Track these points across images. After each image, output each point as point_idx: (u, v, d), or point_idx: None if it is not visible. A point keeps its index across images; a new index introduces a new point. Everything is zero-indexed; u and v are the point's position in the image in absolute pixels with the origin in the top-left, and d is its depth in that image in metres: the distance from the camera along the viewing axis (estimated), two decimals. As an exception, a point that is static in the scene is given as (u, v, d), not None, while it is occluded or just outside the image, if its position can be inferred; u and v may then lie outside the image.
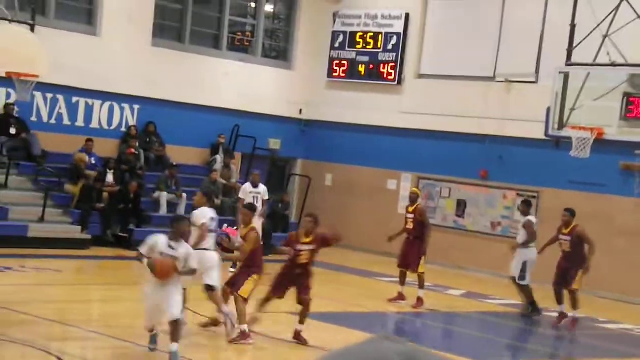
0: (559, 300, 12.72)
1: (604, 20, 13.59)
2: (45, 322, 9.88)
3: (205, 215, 10.16)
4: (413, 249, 13.25)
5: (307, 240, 10.19)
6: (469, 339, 12.26)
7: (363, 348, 0.88)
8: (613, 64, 13.34)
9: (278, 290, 10.12)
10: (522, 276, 13.00)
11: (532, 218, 13.50)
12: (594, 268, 16.89)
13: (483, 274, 17.97)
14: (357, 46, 20.47)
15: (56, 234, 15.62)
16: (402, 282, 13.38)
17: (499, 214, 18.48)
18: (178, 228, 8.59)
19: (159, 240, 8.52)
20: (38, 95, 16.65)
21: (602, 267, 16.89)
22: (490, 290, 15.92)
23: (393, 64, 19.95)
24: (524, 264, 13.01)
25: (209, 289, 9.79)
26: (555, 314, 12.92)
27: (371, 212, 20.13)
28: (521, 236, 13.32)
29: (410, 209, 13.48)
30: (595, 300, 16.32)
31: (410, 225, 13.38)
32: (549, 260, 13.05)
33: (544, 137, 15.07)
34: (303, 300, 10.02)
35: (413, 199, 13.58)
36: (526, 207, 13.66)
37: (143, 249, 8.56)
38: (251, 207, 10.93)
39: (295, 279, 10.13)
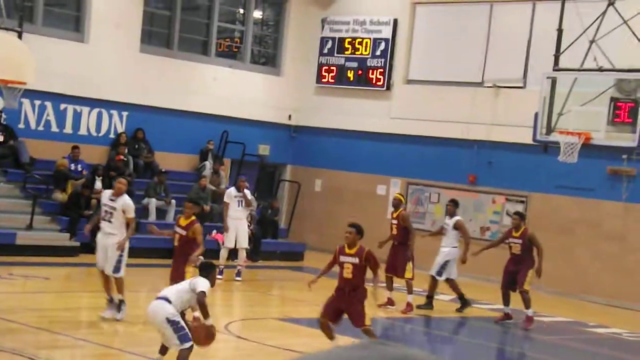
0: (506, 302, 12.97)
1: (590, 25, 13.66)
2: (33, 329, 9.83)
3: None
4: (399, 254, 13.35)
5: (351, 252, 9.70)
6: (458, 344, 12.27)
7: (353, 353, 0.87)
8: (600, 69, 13.40)
9: (328, 312, 9.64)
10: (440, 272, 13.45)
11: (460, 218, 13.76)
12: (581, 273, 16.99)
13: (472, 278, 17.99)
14: (346, 52, 20.51)
15: (44, 241, 15.55)
16: (390, 287, 13.46)
17: (488, 219, 18.53)
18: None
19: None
20: (26, 102, 16.59)
21: (590, 271, 16.97)
22: (479, 295, 15.93)
23: (382, 70, 20.00)
24: (447, 262, 13.44)
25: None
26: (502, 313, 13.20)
27: (360, 217, 20.02)
28: (452, 236, 13.44)
29: (394, 215, 13.55)
30: (584, 305, 16.38)
31: (394, 231, 13.47)
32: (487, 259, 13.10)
33: (532, 142, 15.12)
34: (363, 332, 9.53)
35: (396, 204, 13.66)
36: (454, 207, 13.77)
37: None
38: (197, 201, 11.75)
39: (346, 300, 9.60)
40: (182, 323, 8.05)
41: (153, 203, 17.63)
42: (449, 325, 13.38)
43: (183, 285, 8.31)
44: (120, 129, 18.42)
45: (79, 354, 9.54)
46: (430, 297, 13.58)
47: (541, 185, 17.63)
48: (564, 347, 12.41)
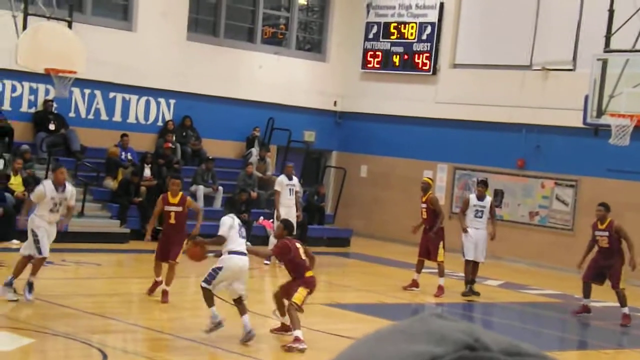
0: (586, 294, 12.38)
1: (642, 5, 13.36)
2: (86, 314, 10.02)
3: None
4: (431, 238, 13.25)
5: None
6: (508, 329, 12.18)
7: (413, 325, 0.85)
8: (652, 50, 13.11)
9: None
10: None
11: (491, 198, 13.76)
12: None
13: (521, 264, 17.82)
14: (391, 37, 20.38)
15: (95, 228, 15.82)
16: (419, 270, 13.48)
17: (537, 204, 18.29)
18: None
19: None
20: (76, 91, 16.85)
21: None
22: (529, 280, 15.79)
23: (427, 54, 19.83)
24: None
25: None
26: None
27: (407, 203, 20.04)
28: (486, 218, 13.18)
29: (423, 199, 13.44)
30: (636, 290, 16.09)
31: (424, 215, 13.39)
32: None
33: (581, 125, 14.87)
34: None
35: (425, 188, 13.51)
36: (485, 188, 13.53)
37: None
38: (178, 177, 12.09)
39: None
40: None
41: (201, 190, 17.80)
42: (498, 310, 13.27)
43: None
44: (167, 117, 18.61)
45: (131, 338, 9.70)
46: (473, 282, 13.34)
47: (591, 169, 17.33)
48: (616, 333, 12.22)
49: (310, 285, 9.18)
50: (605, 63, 13.65)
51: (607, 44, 13.74)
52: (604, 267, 12.18)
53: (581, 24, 17.67)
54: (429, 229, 13.37)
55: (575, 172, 17.65)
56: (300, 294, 9.04)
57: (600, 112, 13.73)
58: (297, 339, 9.07)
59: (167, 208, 11.16)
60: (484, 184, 13.71)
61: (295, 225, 15.35)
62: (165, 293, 10.89)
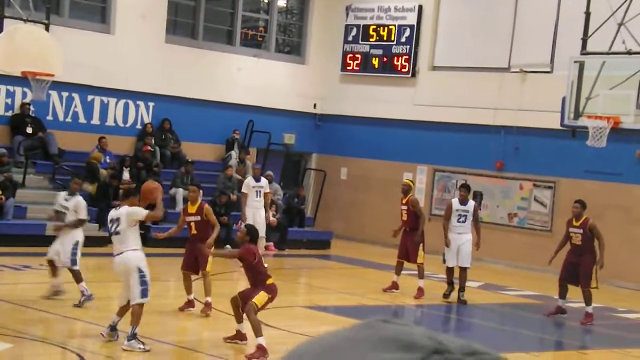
0: (562, 295, 12.40)
1: (618, 8, 13.48)
2: (64, 319, 9.95)
3: None
4: (410, 240, 13.24)
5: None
6: (487, 331, 12.24)
7: (356, 333, 0.82)
8: (629, 52, 13.22)
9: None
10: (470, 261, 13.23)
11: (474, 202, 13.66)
12: (612, 258, 16.82)
13: (500, 265, 17.91)
14: (370, 39, 20.43)
15: (74, 231, 15.68)
16: (398, 271, 13.48)
17: (516, 205, 18.40)
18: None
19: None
20: (53, 94, 16.74)
21: (620, 256, 16.80)
22: (508, 282, 15.87)
23: (407, 57, 19.90)
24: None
25: None
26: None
27: (387, 205, 20.09)
28: (470, 222, 13.05)
29: (404, 201, 13.42)
30: (614, 290, 16.24)
31: (404, 217, 13.37)
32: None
33: (559, 127, 14.97)
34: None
35: (405, 190, 13.49)
36: (467, 192, 13.28)
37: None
38: (196, 183, 12.03)
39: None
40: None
41: (180, 193, 17.73)
42: (477, 312, 13.32)
43: None
44: (146, 120, 18.54)
45: (111, 342, 9.64)
46: (461, 289, 13.14)
47: (569, 171, 17.46)
48: (595, 333, 12.31)
49: (272, 292, 8.99)
50: (582, 65, 13.75)
51: (584, 46, 13.84)
52: (575, 264, 12.20)
53: (558, 27, 17.80)
54: (409, 231, 13.36)
55: (553, 174, 17.77)
56: (261, 296, 8.85)
57: (577, 114, 13.82)
58: (260, 348, 8.73)
59: (187, 219, 11.07)
60: (466, 188, 13.52)
61: (264, 227, 15.41)
62: (207, 304, 10.69)
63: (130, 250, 8.94)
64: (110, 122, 18.16)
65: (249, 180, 15.55)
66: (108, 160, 17.25)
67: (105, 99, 18.02)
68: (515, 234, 18.20)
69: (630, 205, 16.79)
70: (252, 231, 9.32)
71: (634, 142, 16.02)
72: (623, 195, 16.85)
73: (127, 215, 8.90)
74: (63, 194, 11.11)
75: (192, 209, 11.10)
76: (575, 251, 12.28)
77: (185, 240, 11.38)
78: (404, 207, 13.40)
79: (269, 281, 9.05)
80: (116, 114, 18.25)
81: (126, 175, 17.16)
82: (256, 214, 15.32)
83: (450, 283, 13.17)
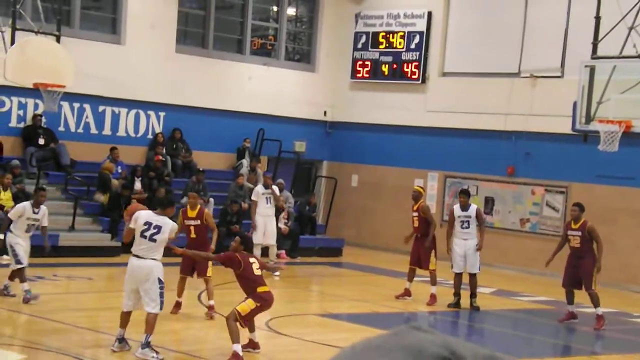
0: (570, 301, 12.33)
1: (629, 12, 13.45)
2: (78, 329, 9.98)
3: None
4: (422, 246, 13.23)
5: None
6: (501, 336, 12.19)
7: (389, 340, 0.86)
8: (639, 56, 13.19)
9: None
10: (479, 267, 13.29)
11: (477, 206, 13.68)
12: (625, 262, 16.75)
13: (512, 270, 17.85)
14: (380, 46, 20.45)
15: (86, 242, 15.77)
16: (410, 278, 13.46)
17: (528, 210, 18.34)
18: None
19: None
20: (65, 105, 16.82)
21: (634, 261, 16.73)
22: (520, 287, 15.81)
23: (417, 63, 19.90)
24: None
25: None
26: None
27: (398, 212, 20.08)
28: (474, 227, 12.94)
29: (414, 207, 13.39)
30: (628, 295, 16.15)
31: (415, 224, 13.35)
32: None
33: (571, 132, 14.94)
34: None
35: (416, 197, 13.45)
36: (468, 198, 13.19)
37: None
38: (195, 189, 12.47)
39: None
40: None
41: (192, 202, 17.75)
42: (490, 318, 13.27)
43: None
44: (157, 129, 18.60)
45: (123, 352, 9.66)
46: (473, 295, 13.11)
47: (581, 175, 17.40)
48: (608, 338, 12.25)
49: (262, 300, 8.85)
50: (593, 70, 13.72)
51: (595, 50, 13.82)
52: (576, 268, 12.15)
53: (568, 31, 17.77)
54: (421, 237, 13.34)
55: (565, 179, 17.71)
56: (246, 304, 8.78)
57: (588, 119, 13.79)
58: (235, 355, 8.62)
59: (186, 222, 11.33)
60: (465, 193, 13.41)
61: (275, 235, 15.41)
62: (211, 307, 10.94)
63: (155, 260, 8.91)
64: (121, 132, 18.24)
65: (259, 188, 15.60)
66: (120, 171, 17.31)
67: (116, 109, 18.11)
68: (527, 240, 18.14)
69: (643, 209, 16.69)
70: (245, 240, 9.33)
71: (646, 146, 15.94)
72: (636, 200, 16.77)
73: (171, 230, 8.91)
74: (29, 207, 11.28)
75: (192, 213, 11.38)
76: (575, 254, 12.26)
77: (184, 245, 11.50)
78: (415, 214, 13.38)
79: (261, 289, 8.91)
80: (127, 124, 18.32)
81: (138, 185, 17.21)
82: (267, 222, 15.36)
83: (458, 294, 13.06)
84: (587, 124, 13.67)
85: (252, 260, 9.09)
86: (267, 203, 15.37)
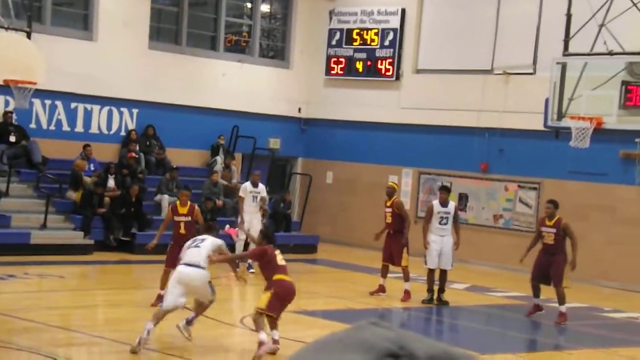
0: (536, 294, 12.41)
1: (599, 9, 13.57)
2: (50, 328, 9.89)
3: None
4: (394, 243, 13.25)
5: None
6: (474, 332, 12.27)
7: (349, 334, 0.87)
8: (610, 53, 13.32)
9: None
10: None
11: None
12: (597, 258, 16.93)
13: (486, 266, 17.97)
14: (354, 43, 20.47)
15: (58, 240, 15.64)
16: (384, 275, 13.48)
17: (501, 207, 18.46)
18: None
19: None
20: (36, 102, 16.66)
21: (605, 256, 16.91)
22: (494, 283, 15.92)
23: (390, 60, 19.95)
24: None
25: None
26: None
27: (373, 208, 20.12)
28: (450, 224, 13.01)
29: (388, 203, 13.41)
30: (600, 290, 16.33)
31: (389, 220, 13.37)
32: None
33: (543, 128, 15.05)
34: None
35: (390, 192, 13.48)
36: (448, 194, 13.27)
37: None
38: (187, 187, 12.49)
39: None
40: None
41: (165, 199, 17.68)
42: (464, 313, 13.35)
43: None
44: (131, 126, 18.48)
45: (96, 350, 9.59)
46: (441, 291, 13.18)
47: (554, 171, 17.55)
48: (580, 333, 12.37)
49: (279, 287, 9.16)
50: (564, 66, 13.83)
51: (566, 47, 13.92)
52: (547, 264, 12.22)
53: (540, 28, 17.91)
54: (393, 234, 13.37)
55: (538, 175, 17.85)
56: (263, 298, 9.15)
57: (560, 115, 13.90)
58: (260, 343, 9.02)
59: (176, 218, 11.58)
60: (446, 189, 13.54)
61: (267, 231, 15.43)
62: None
63: (204, 270, 9.41)
64: (94, 129, 18.09)
65: (247, 185, 15.61)
66: (92, 168, 17.18)
67: (88, 106, 17.96)
68: (500, 236, 18.27)
69: (614, 205, 16.89)
70: (266, 234, 9.81)
71: (617, 142, 16.12)
72: (607, 196, 16.95)
73: (212, 244, 9.55)
74: None
75: (183, 209, 11.63)
76: (548, 250, 12.30)
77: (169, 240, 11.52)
78: (388, 210, 13.40)
79: (277, 277, 9.25)
80: (100, 121, 18.18)
81: (111, 182, 17.09)
82: (253, 218, 15.41)
83: (431, 290, 13.11)
84: (558, 121, 13.78)
85: (277, 252, 9.54)
86: (253, 201, 15.43)
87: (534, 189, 17.97)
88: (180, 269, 9.34)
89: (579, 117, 13.40)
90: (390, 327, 0.87)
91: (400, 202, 13.69)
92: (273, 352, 9.12)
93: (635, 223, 16.55)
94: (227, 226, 17.75)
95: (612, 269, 16.78)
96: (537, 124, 15.57)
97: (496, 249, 18.17)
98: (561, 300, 12.21)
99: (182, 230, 11.45)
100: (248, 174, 18.59)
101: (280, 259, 9.38)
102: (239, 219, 15.42)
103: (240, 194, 15.61)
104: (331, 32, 20.83)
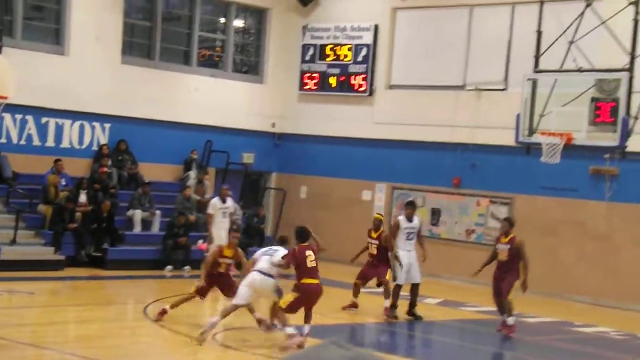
0: (502, 311, 12.45)
1: (569, 26, 13.78)
2: (20, 345, 9.76)
3: None
4: (376, 270, 13.21)
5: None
6: (447, 347, 12.30)
7: (309, 354, 0.90)
8: (580, 70, 13.51)
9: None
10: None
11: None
12: (567, 272, 17.09)
13: (458, 281, 18.04)
14: (328, 59, 20.56)
15: (29, 255, 15.46)
16: (356, 294, 13.41)
17: (473, 221, 18.58)
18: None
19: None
20: (7, 116, 16.51)
21: (575, 271, 17.07)
22: (466, 298, 15.98)
23: (364, 76, 20.05)
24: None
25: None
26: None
27: (346, 223, 20.16)
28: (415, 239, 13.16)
29: (374, 235, 13.34)
30: (570, 305, 16.46)
31: (373, 251, 13.30)
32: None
33: (514, 144, 15.20)
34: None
35: (378, 225, 13.41)
36: (414, 209, 13.43)
37: None
38: (237, 229, 12.66)
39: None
40: None
41: (138, 214, 17.58)
42: (436, 328, 13.38)
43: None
44: (103, 141, 18.36)
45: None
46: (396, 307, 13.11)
47: (525, 187, 17.70)
48: (551, 347, 12.45)
49: (301, 291, 10.08)
50: (535, 83, 14.00)
51: (537, 64, 14.11)
52: (499, 280, 12.29)
53: (511, 45, 18.12)
54: (377, 262, 13.22)
55: (509, 190, 18.00)
56: (287, 297, 10.19)
57: (531, 131, 14.06)
58: (290, 336, 9.99)
59: (220, 260, 11.59)
60: (411, 204, 13.55)
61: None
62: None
63: (273, 278, 10.48)
64: (65, 144, 17.95)
65: (216, 202, 15.57)
66: (64, 183, 17.03)
67: (60, 120, 17.82)
68: (473, 250, 18.35)
69: (584, 220, 17.06)
70: (299, 233, 10.66)
71: (587, 158, 16.31)
72: (578, 211, 17.12)
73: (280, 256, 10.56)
74: None
75: (228, 252, 11.58)
76: (501, 268, 12.34)
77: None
78: (374, 242, 13.28)
79: (304, 280, 10.13)
80: (72, 135, 18.04)
81: (83, 197, 16.95)
82: (222, 234, 15.37)
83: (396, 305, 13.03)
84: (529, 136, 13.93)
85: (307, 253, 10.27)
86: (223, 217, 15.42)
87: (506, 204, 18.11)
88: (254, 275, 10.29)
89: (550, 133, 13.56)
90: (350, 347, 0.89)
91: (388, 236, 13.40)
92: (301, 345, 9.90)
93: (605, 238, 16.73)
94: (200, 241, 17.68)
95: (582, 284, 16.93)
96: (509, 140, 15.72)
97: (468, 264, 18.19)
98: (508, 311, 12.25)
99: (222, 269, 11.55)
100: (220, 189, 18.52)
101: (310, 260, 10.17)
102: (208, 235, 15.40)
103: (210, 211, 15.59)
104: (305, 48, 20.90)
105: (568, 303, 16.58)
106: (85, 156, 18.14)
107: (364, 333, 12.95)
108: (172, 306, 11.26)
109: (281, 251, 10.46)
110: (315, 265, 10.15)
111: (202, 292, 11.38)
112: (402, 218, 13.27)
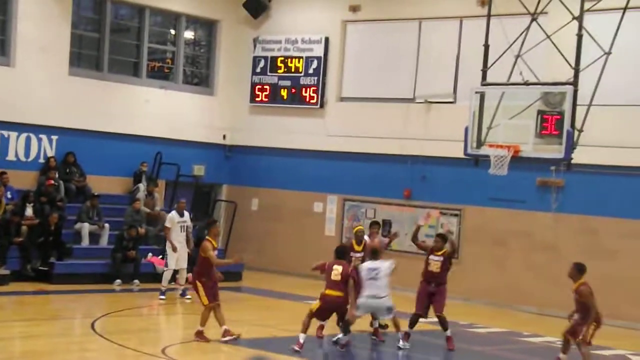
0: (413, 326, 12.57)
1: (515, 40, 14.00)
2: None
3: None
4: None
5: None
6: (396, 358, 12.34)
7: None
8: (526, 83, 13.71)
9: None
10: None
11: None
12: (514, 282, 17.31)
13: (409, 292, 18.12)
14: (279, 71, 20.59)
15: (-27, 270, 15.11)
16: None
17: (423, 233, 18.69)
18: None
19: None
20: (-50, 128, 16.16)
21: (523, 281, 17.32)
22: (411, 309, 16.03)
23: (315, 88, 20.13)
24: None
25: None
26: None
27: (298, 235, 20.17)
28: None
29: (358, 248, 13.26)
30: (519, 315, 16.67)
31: (357, 263, 13.31)
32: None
33: (463, 156, 15.37)
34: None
35: (360, 237, 13.37)
36: (380, 228, 14.00)
37: None
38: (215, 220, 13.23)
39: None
40: None
41: (86, 228, 17.34)
42: (387, 340, 13.42)
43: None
44: (50, 153, 18.08)
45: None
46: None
47: (474, 199, 17.92)
48: (499, 358, 12.59)
49: (322, 300, 11.42)
50: (482, 96, 14.15)
51: (484, 77, 14.28)
52: (431, 294, 12.47)
53: (460, 59, 18.37)
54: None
55: (459, 202, 18.21)
56: (314, 305, 11.53)
57: (480, 143, 14.20)
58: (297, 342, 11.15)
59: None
60: (376, 224, 13.76)
61: (186, 260, 15.29)
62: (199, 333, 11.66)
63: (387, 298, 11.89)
64: (11, 156, 17.62)
65: (173, 215, 15.46)
66: (9, 196, 16.71)
67: (5, 132, 17.51)
68: (423, 262, 18.47)
69: (532, 231, 17.33)
70: (337, 251, 11.96)
71: (534, 170, 16.58)
72: (525, 222, 17.39)
73: (387, 268, 11.84)
74: None
75: (215, 243, 12.09)
76: (431, 279, 12.55)
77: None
78: (359, 254, 13.10)
79: (326, 291, 11.49)
80: (17, 148, 17.73)
81: (29, 211, 16.65)
82: (181, 248, 15.31)
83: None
84: (478, 149, 14.08)
85: (335, 267, 11.52)
86: (181, 231, 15.37)
87: (456, 215, 18.30)
88: (369, 302, 11.68)
89: (497, 145, 13.72)
90: None
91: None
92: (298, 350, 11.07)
93: (552, 249, 17.01)
94: (150, 254, 17.51)
95: (530, 294, 17.17)
96: (458, 152, 15.87)
97: (418, 275, 18.34)
98: (445, 326, 12.41)
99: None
100: (172, 201, 18.39)
101: (335, 274, 11.40)
102: (168, 249, 15.31)
103: (167, 224, 15.47)
104: (255, 60, 20.90)
105: (515, 313, 16.80)
106: (32, 169, 17.84)
107: (314, 345, 12.93)
108: (202, 325, 11.56)
109: (385, 264, 11.74)
110: (339, 279, 11.34)
111: (212, 299, 11.75)
112: (366, 237, 13.30)
